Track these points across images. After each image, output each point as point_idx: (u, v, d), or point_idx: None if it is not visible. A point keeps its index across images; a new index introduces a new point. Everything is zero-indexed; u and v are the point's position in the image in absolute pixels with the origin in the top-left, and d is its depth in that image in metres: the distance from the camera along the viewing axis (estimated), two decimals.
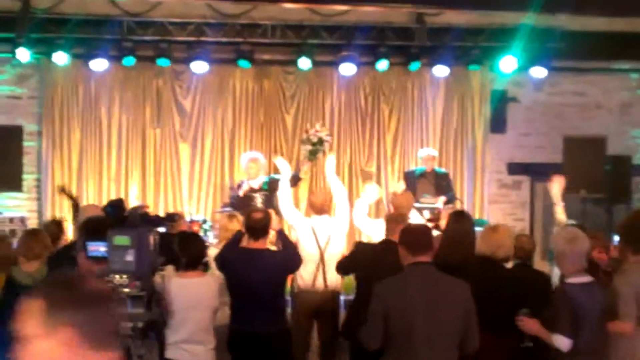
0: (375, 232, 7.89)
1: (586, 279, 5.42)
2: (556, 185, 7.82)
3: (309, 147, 9.83)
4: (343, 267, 7.31)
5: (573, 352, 5.25)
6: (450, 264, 5.95)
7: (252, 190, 10.26)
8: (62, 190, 8.33)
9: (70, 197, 8.07)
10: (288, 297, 7.66)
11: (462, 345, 4.89)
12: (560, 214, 7.62)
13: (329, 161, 8.60)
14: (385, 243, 7.03)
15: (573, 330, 5.21)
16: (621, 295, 5.56)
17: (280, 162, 8.89)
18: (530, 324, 5.49)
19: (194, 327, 5.89)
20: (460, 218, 7.26)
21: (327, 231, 7.72)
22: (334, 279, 7.65)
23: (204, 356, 6.02)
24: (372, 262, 6.77)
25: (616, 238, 7.34)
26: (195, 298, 5.89)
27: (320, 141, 9.73)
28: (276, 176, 10.79)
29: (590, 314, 5.26)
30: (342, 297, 8.14)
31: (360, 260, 7.04)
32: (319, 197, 7.98)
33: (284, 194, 8.19)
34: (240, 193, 10.29)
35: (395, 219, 7.05)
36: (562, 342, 5.22)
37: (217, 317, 6.38)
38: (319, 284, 7.64)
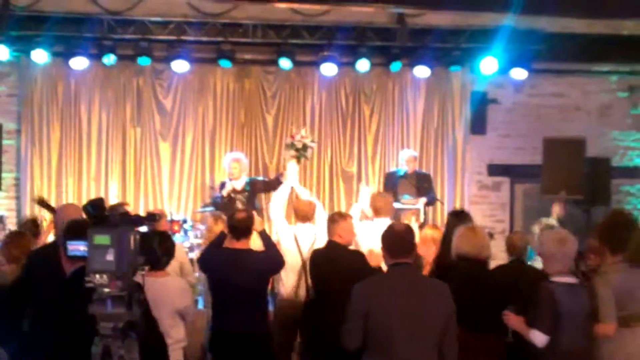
0: (363, 235, 7.87)
1: (571, 279, 5.47)
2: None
3: (293, 152, 9.84)
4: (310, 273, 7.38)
5: (552, 351, 5.28)
6: (451, 262, 6.02)
7: (235, 191, 10.27)
8: (41, 201, 8.25)
9: (49, 207, 7.99)
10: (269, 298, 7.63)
11: (441, 346, 4.89)
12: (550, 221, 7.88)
13: (291, 169, 8.63)
14: (328, 245, 7.15)
15: (552, 328, 5.24)
16: (600, 297, 5.60)
17: (291, 167, 8.90)
18: (512, 319, 5.53)
19: None
20: (462, 217, 7.29)
21: (309, 239, 7.69)
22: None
23: None
24: (319, 266, 6.96)
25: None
26: (153, 298, 5.78)
27: (305, 147, 9.74)
28: (259, 178, 10.85)
29: (573, 314, 5.30)
30: None
31: (312, 267, 7.17)
32: (305, 205, 7.96)
33: (278, 199, 8.19)
34: (224, 193, 10.28)
35: (334, 219, 7.16)
36: (538, 338, 5.27)
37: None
38: (302, 293, 7.58)
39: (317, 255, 7.19)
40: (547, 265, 5.55)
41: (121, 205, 8.98)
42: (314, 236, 7.72)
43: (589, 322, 5.49)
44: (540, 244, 5.65)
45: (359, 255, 7.12)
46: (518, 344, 5.74)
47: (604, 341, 5.62)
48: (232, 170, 10.42)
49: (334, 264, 6.83)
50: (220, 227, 7.50)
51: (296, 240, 7.69)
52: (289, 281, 7.58)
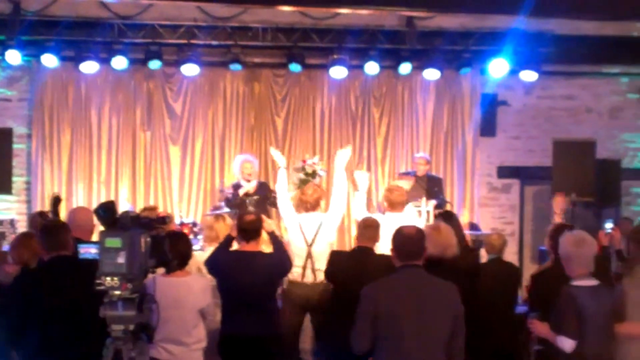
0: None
1: (593, 282, 5.40)
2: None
3: (302, 176, 9.92)
4: (326, 276, 7.40)
5: (577, 355, 5.25)
6: (439, 263, 5.99)
7: (247, 194, 10.34)
8: (55, 200, 8.27)
9: (55, 211, 8.00)
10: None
11: (449, 347, 4.88)
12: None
13: (342, 155, 8.59)
14: (359, 249, 7.12)
15: (578, 332, 5.22)
16: (630, 298, 5.58)
17: (275, 153, 8.89)
18: (539, 327, 5.51)
19: (174, 327, 5.84)
20: (448, 218, 7.32)
21: (314, 228, 7.79)
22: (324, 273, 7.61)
23: (183, 356, 5.97)
24: (345, 270, 6.90)
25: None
26: (176, 297, 5.85)
27: (314, 174, 9.83)
28: (268, 184, 10.89)
29: (596, 317, 5.25)
30: None
31: (336, 270, 7.14)
32: (312, 195, 8.02)
33: (281, 185, 8.24)
34: (241, 193, 10.36)
35: (368, 224, 7.15)
36: (566, 343, 5.24)
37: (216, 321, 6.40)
38: (308, 277, 7.72)
39: (341, 259, 7.20)
40: (567, 268, 5.49)
41: (152, 209, 9.02)
42: (320, 224, 7.82)
43: (613, 324, 5.46)
44: (559, 245, 5.59)
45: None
46: (546, 351, 5.70)
47: (631, 343, 5.60)
48: (244, 170, 10.51)
49: (363, 268, 6.74)
50: (221, 225, 7.60)
51: (301, 229, 7.82)
52: (295, 266, 7.56)
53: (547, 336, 5.46)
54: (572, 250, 5.41)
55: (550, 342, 5.44)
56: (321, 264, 7.55)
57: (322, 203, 8.23)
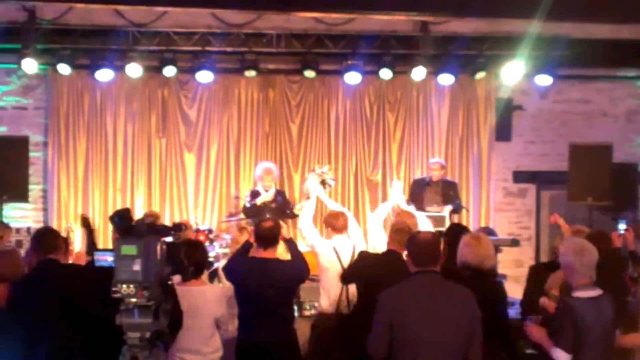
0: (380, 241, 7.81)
1: (594, 292, 5.29)
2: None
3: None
4: (347, 276, 7.21)
5: None
6: (453, 272, 5.95)
7: (264, 203, 10.36)
8: (85, 221, 8.31)
9: (89, 228, 8.04)
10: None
11: (467, 353, 4.85)
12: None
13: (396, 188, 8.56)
14: (389, 253, 7.01)
15: (574, 346, 5.13)
16: None
17: (312, 183, 8.81)
18: (536, 331, 5.44)
19: (191, 336, 5.85)
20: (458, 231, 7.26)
21: (349, 252, 7.49)
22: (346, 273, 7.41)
23: None
24: (375, 273, 6.73)
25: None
26: (193, 306, 5.86)
27: (323, 182, 9.76)
28: (284, 192, 10.91)
29: (595, 329, 5.14)
30: None
31: (363, 271, 6.97)
32: (339, 217, 7.69)
33: (308, 214, 8.06)
34: (258, 202, 10.38)
35: (400, 228, 6.99)
36: (561, 357, 5.15)
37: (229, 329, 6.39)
38: (342, 308, 7.41)
39: (371, 260, 7.07)
40: (568, 277, 5.39)
41: (150, 216, 8.99)
42: (353, 247, 7.54)
43: (614, 335, 5.37)
44: (560, 255, 5.51)
45: None
46: (540, 356, 5.64)
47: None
48: (264, 181, 10.53)
49: (390, 272, 6.66)
50: (245, 237, 7.41)
51: (337, 253, 7.47)
52: (331, 295, 7.42)
53: (542, 342, 5.36)
54: (573, 259, 5.29)
55: (544, 349, 5.38)
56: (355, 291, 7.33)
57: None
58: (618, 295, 5.67)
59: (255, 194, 10.57)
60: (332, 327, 7.37)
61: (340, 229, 7.61)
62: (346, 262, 7.42)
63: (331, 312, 7.43)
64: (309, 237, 7.78)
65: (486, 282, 5.91)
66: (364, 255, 7.31)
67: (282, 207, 10.53)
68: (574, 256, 5.31)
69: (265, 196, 10.51)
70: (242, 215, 10.53)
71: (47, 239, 5.84)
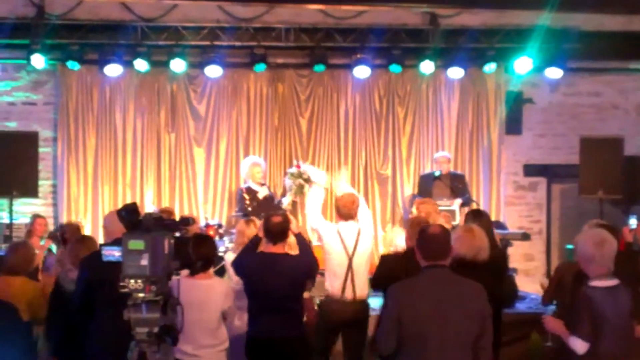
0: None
1: (611, 282, 5.26)
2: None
3: (300, 181, 9.85)
4: (376, 283, 7.01)
5: (592, 356, 5.16)
6: (467, 262, 5.91)
7: (266, 197, 10.35)
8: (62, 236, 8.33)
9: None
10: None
11: (476, 348, 4.82)
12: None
13: (342, 175, 8.49)
14: (410, 251, 6.91)
15: (592, 334, 5.12)
16: None
17: (316, 171, 8.81)
18: (551, 323, 5.41)
19: (198, 329, 5.85)
20: (478, 216, 7.21)
21: (353, 237, 7.46)
22: (363, 288, 7.43)
23: (208, 358, 5.99)
24: (400, 273, 6.67)
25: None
26: (201, 300, 5.86)
27: (309, 180, 9.74)
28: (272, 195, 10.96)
29: (613, 319, 5.13)
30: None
31: (390, 274, 6.90)
32: (347, 202, 7.60)
33: (314, 200, 8.04)
34: (260, 196, 10.37)
35: (416, 223, 6.84)
36: (579, 345, 5.13)
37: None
38: (348, 293, 7.39)
39: (393, 262, 6.89)
40: (586, 268, 5.36)
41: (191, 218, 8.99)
42: (358, 232, 7.51)
43: (631, 324, 5.34)
44: (578, 245, 5.47)
45: None
46: (559, 349, 5.62)
47: None
48: (258, 175, 10.54)
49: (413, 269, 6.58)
50: (252, 230, 7.36)
51: (341, 238, 7.46)
52: (336, 280, 7.40)
53: (560, 332, 5.33)
54: (593, 251, 5.26)
55: (563, 341, 5.35)
56: (360, 278, 7.37)
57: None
58: (634, 287, 5.63)
59: (252, 192, 10.56)
60: (336, 310, 7.38)
61: (346, 215, 7.54)
62: (350, 246, 7.41)
63: (336, 298, 7.42)
64: (313, 222, 7.84)
65: (482, 276, 5.89)
66: (385, 259, 7.16)
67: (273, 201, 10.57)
68: (594, 247, 5.27)
69: (264, 190, 10.47)
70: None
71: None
